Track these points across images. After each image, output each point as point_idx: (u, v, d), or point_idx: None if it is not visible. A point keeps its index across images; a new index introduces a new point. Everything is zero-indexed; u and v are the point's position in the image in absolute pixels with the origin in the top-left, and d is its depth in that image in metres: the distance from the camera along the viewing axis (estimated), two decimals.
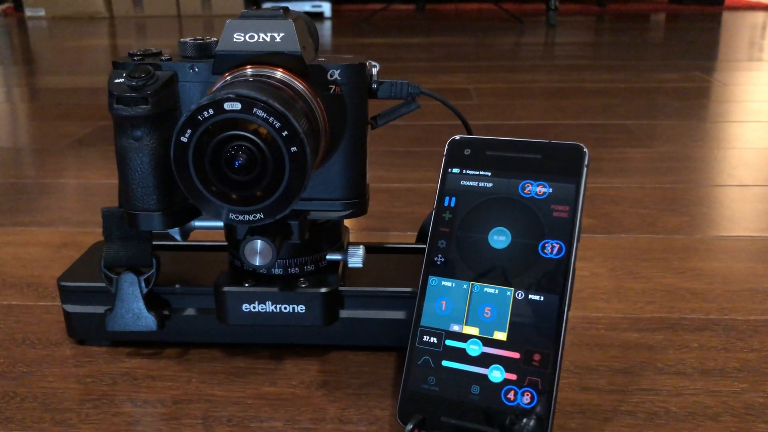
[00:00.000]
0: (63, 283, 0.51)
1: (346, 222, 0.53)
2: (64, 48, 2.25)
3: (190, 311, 0.50)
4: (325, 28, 2.61)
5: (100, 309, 0.50)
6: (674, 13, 2.94)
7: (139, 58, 0.44)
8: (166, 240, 0.51)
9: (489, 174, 0.44)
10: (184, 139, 0.38)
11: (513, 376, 0.40)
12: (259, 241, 0.43)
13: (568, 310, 0.40)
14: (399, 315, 0.50)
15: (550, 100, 1.37)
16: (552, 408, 0.39)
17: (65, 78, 1.68)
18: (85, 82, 1.59)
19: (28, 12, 2.96)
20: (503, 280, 0.42)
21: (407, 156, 1.00)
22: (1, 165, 1.00)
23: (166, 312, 0.50)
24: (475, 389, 0.40)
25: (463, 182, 0.44)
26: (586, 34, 2.47)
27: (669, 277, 0.62)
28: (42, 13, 2.96)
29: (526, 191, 0.43)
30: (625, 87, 1.46)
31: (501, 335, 0.41)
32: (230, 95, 0.37)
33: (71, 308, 0.51)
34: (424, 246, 0.54)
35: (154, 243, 0.49)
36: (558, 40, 2.30)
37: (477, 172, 0.44)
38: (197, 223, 0.48)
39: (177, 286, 0.50)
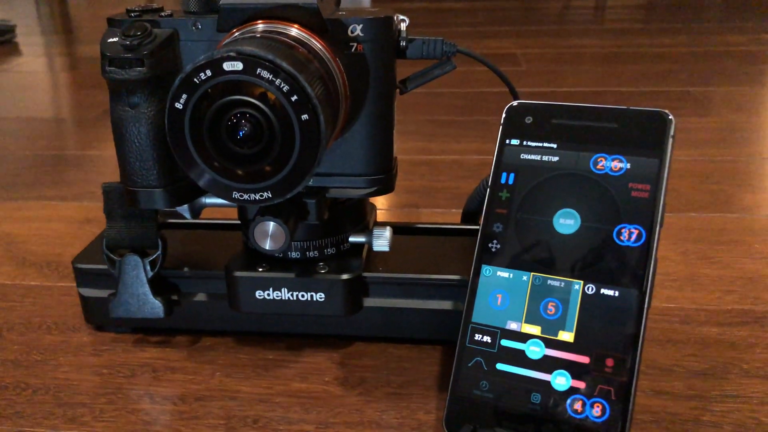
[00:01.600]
0: (78, 265, 0.47)
1: (379, 199, 0.47)
2: (103, 17, 2.22)
3: (200, 296, 0.46)
4: None
5: None
6: None
7: (136, 14, 0.39)
8: (175, 217, 0.47)
9: (555, 146, 0.37)
10: (179, 106, 0.32)
11: (581, 384, 0.34)
12: (270, 223, 0.37)
13: (648, 307, 0.34)
14: (443, 305, 0.44)
15: (604, 65, 1.28)
16: (627, 424, 0.33)
17: None
18: None
19: None
20: (570, 272, 0.36)
21: (451, 125, 0.93)
22: (29, 136, 0.97)
23: (174, 297, 0.45)
24: (536, 398, 0.35)
25: (524, 156, 0.38)
26: None
27: (749, 263, 0.55)
28: None
29: (598, 167, 0.36)
30: (686, 51, 1.35)
31: (567, 336, 0.35)
32: (230, 53, 0.31)
33: (87, 292, 0.47)
34: (467, 227, 0.49)
35: (164, 221, 0.45)
36: (609, 2, 2.17)
37: (540, 144, 0.38)
38: (207, 200, 0.43)
39: (186, 269, 0.46)
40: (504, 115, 0.39)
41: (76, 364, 0.45)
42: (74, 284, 0.48)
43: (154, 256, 0.44)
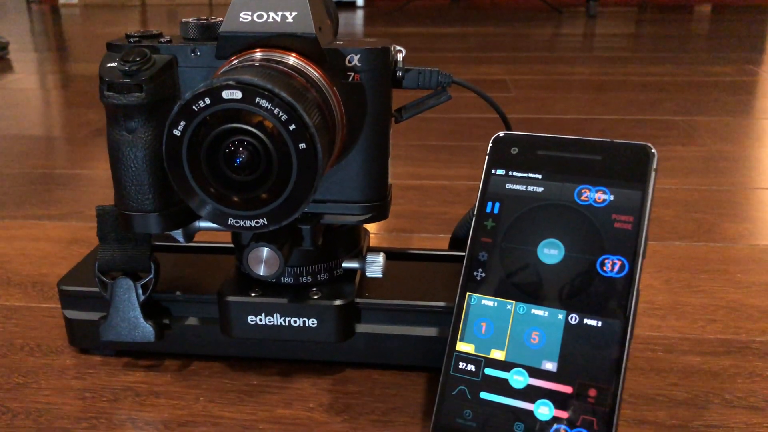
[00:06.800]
0: (63, 287, 0.47)
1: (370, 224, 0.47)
2: (96, 35, 2.23)
3: (192, 321, 0.46)
4: (357, 18, 2.55)
5: None
6: (720, 4, 2.81)
7: (135, 39, 0.40)
8: (168, 240, 0.47)
9: (540, 177, 0.38)
10: (177, 132, 0.33)
11: (564, 414, 0.34)
12: (265, 249, 0.38)
13: (631, 338, 0.34)
14: (429, 332, 0.44)
15: (592, 93, 1.29)
16: None
17: (95, 66, 1.66)
18: None
19: None
20: (554, 301, 0.36)
21: (441, 150, 0.94)
22: (19, 153, 0.97)
23: (166, 321, 0.45)
24: (519, 427, 0.35)
25: (509, 186, 0.38)
26: (628, 26, 2.38)
27: (732, 292, 0.56)
28: (75, 0, 2.96)
29: (582, 198, 0.37)
30: (672, 80, 1.38)
31: (550, 365, 0.35)
32: (230, 82, 0.32)
33: (72, 314, 0.47)
34: (457, 253, 0.50)
35: (155, 243, 0.45)
36: (598, 31, 2.21)
37: (526, 175, 0.38)
38: (201, 224, 0.43)
39: (178, 293, 0.46)
40: (490, 145, 0.40)
41: (58, 388, 0.44)
42: (59, 306, 0.48)
43: (146, 280, 0.44)
